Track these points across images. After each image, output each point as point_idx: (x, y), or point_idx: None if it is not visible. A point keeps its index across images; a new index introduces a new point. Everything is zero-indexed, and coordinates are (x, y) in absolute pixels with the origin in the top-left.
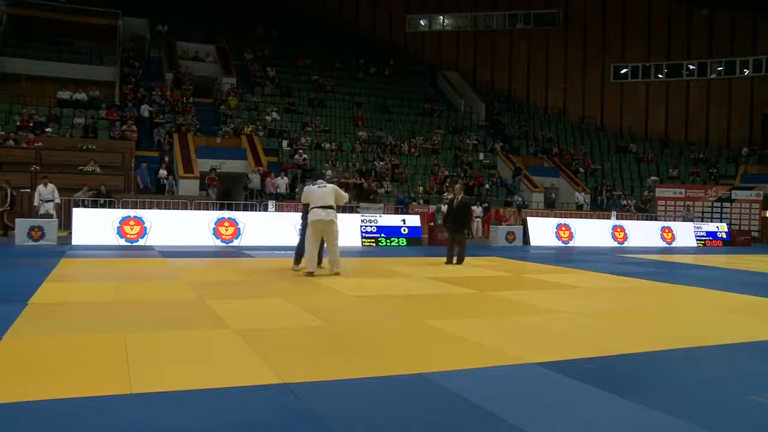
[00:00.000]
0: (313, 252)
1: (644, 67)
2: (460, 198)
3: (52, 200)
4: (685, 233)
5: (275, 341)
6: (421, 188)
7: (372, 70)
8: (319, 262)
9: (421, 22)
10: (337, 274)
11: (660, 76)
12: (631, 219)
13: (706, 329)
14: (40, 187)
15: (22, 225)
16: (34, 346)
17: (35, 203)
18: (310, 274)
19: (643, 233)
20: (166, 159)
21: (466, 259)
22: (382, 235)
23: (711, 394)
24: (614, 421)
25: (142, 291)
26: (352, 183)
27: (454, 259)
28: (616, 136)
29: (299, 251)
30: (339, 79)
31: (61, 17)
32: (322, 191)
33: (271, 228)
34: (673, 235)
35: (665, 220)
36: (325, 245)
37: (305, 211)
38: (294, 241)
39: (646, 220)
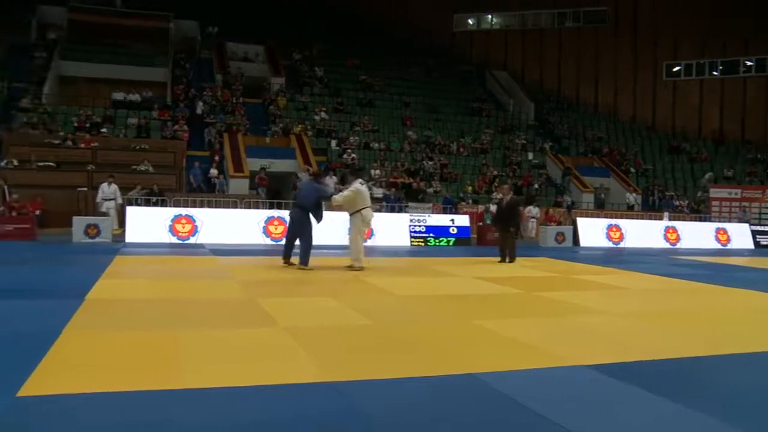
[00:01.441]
0: (362, 247)
1: (698, 64)
2: (508, 198)
3: (114, 199)
4: (741, 235)
5: (324, 340)
6: (470, 188)
7: (420, 69)
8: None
9: (469, 21)
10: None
11: (715, 73)
12: (684, 220)
13: (758, 334)
14: (104, 186)
15: (78, 223)
16: (90, 341)
17: (98, 200)
18: (362, 268)
19: (696, 235)
20: (217, 158)
21: (516, 259)
22: (431, 234)
23: (762, 399)
24: (667, 425)
25: (194, 289)
26: (401, 183)
27: (497, 258)
28: (668, 136)
29: (306, 249)
30: (387, 78)
31: (116, 21)
32: (368, 191)
33: (320, 227)
34: (728, 236)
35: (720, 222)
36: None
37: (308, 205)
38: (340, 240)
39: (700, 221)
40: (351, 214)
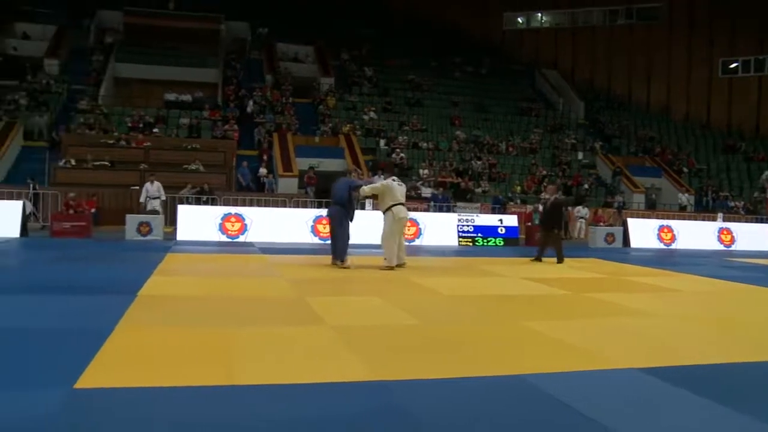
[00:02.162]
0: (394, 247)
1: (757, 60)
2: (553, 198)
3: (159, 197)
4: None
5: (371, 338)
6: (518, 188)
7: (469, 69)
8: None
9: (519, 19)
10: (404, 265)
11: None
12: (740, 221)
13: None
14: (147, 185)
15: (131, 221)
16: (141, 337)
17: (141, 200)
18: (394, 267)
19: (752, 236)
20: (266, 158)
21: (564, 260)
22: (479, 234)
23: None
24: (717, 430)
25: (243, 287)
26: (449, 182)
27: (553, 260)
28: (724, 134)
29: (343, 246)
30: (435, 78)
31: (169, 23)
32: (401, 189)
33: (368, 226)
34: None
35: None
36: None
37: (345, 202)
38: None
39: (757, 222)
40: (383, 213)
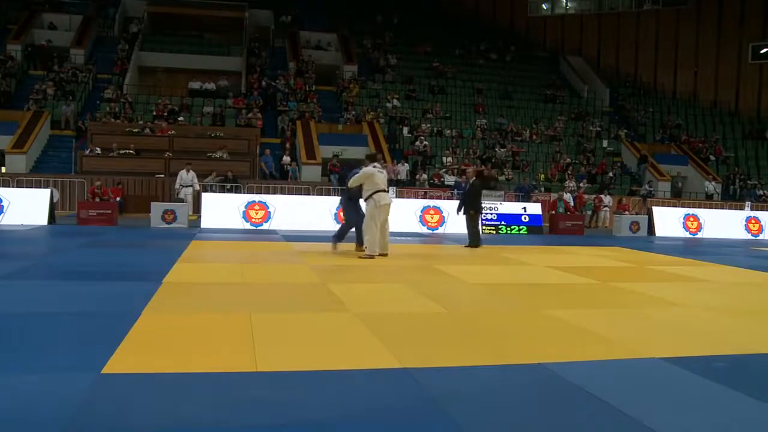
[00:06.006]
0: (376, 234)
1: None
2: (471, 182)
3: (191, 185)
4: None
5: (395, 326)
6: (542, 176)
7: (493, 56)
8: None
9: (543, 6)
10: (385, 255)
11: None
12: None
13: None
14: (182, 173)
15: (156, 208)
16: (167, 322)
17: (176, 186)
18: (372, 257)
19: None
20: (289, 146)
21: (580, 249)
22: (503, 222)
23: None
24: (744, 422)
25: (267, 273)
26: (476, 168)
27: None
28: (753, 122)
29: (343, 231)
30: (459, 65)
31: (193, 12)
32: (383, 175)
33: (392, 214)
34: None
35: None
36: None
37: (353, 192)
38: (414, 227)
39: None
40: (365, 200)
